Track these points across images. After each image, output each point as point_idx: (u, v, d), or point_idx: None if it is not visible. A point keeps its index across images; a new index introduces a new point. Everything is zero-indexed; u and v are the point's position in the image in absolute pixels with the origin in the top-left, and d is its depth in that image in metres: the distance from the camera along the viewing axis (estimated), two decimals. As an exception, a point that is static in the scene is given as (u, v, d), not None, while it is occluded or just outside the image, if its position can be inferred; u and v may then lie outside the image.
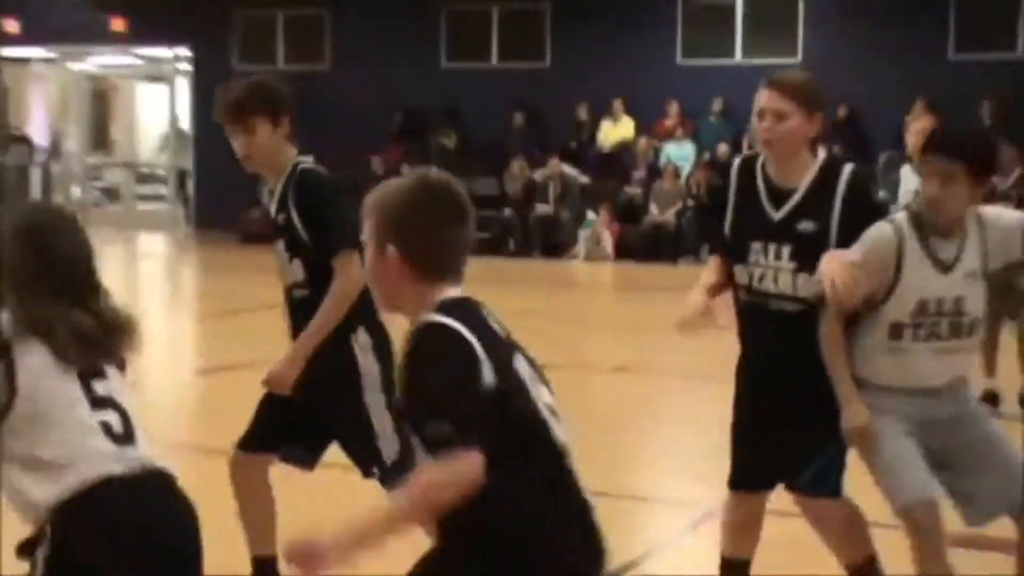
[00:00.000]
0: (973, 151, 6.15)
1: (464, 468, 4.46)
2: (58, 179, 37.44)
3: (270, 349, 10.59)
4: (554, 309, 21.07)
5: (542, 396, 4.78)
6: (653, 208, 27.70)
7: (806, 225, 6.23)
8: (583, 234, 27.76)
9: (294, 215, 6.80)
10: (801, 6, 28.24)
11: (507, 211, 28.74)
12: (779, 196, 6.36)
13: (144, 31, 34.30)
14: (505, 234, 28.57)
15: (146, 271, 29.04)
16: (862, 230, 6.09)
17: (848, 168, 6.39)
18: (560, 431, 4.78)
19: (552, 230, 28.40)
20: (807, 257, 6.11)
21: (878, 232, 6.10)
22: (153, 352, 11.50)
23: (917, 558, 6.34)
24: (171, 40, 34.89)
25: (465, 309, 4.74)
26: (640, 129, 28.92)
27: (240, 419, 9.64)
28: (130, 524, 4.80)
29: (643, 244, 27.49)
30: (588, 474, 8.34)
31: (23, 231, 5.41)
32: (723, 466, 7.97)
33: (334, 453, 7.95)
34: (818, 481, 6.53)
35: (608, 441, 11.52)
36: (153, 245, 33.23)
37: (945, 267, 6.15)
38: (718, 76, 28.55)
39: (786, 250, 6.25)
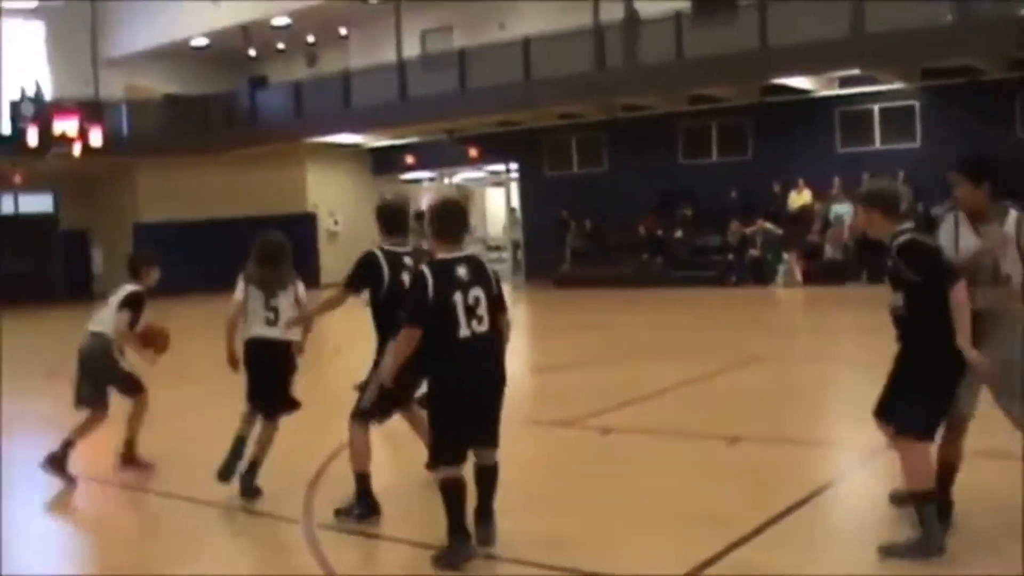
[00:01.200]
0: None
1: (411, 334, 6.55)
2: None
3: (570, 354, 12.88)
4: (764, 320, 22.14)
5: (463, 300, 6.45)
6: (828, 249, 28.70)
7: None
8: (781, 269, 28.69)
9: None
10: (917, 108, 29.07)
11: (729, 256, 29.83)
12: None
13: (489, 155, 37.15)
14: (728, 271, 29.57)
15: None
16: None
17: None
18: (465, 323, 6.44)
19: (759, 267, 29.23)
20: None
21: None
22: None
23: None
24: (505, 159, 37.35)
25: (440, 263, 6.61)
26: (815, 196, 29.74)
27: (559, 401, 11.57)
28: None
29: (822, 273, 28.21)
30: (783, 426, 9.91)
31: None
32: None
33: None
34: None
35: (802, 400, 12.61)
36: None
37: None
38: (864, 158, 29.10)
39: None
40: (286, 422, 8.76)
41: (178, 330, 10.33)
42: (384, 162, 40.47)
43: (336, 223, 38.75)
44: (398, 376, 6.93)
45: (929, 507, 6.46)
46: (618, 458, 9.49)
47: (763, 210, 30.36)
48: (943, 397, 6.62)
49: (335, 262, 37.89)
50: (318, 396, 13.25)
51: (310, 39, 40.17)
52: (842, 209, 29.06)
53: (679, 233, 31.70)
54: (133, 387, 9.67)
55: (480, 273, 6.70)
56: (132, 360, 9.76)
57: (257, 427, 8.73)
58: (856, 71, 27.93)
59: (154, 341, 9.77)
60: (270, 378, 8.69)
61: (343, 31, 39.39)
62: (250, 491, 8.44)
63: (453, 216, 6.91)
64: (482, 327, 6.59)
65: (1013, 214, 6.71)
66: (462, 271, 6.61)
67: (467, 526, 6.67)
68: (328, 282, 37.11)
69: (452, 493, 6.61)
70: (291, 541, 7.39)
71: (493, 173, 39.99)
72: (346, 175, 40.13)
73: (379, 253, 7.64)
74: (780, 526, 7.06)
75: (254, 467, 8.52)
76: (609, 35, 30.22)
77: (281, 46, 40.64)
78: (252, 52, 39.17)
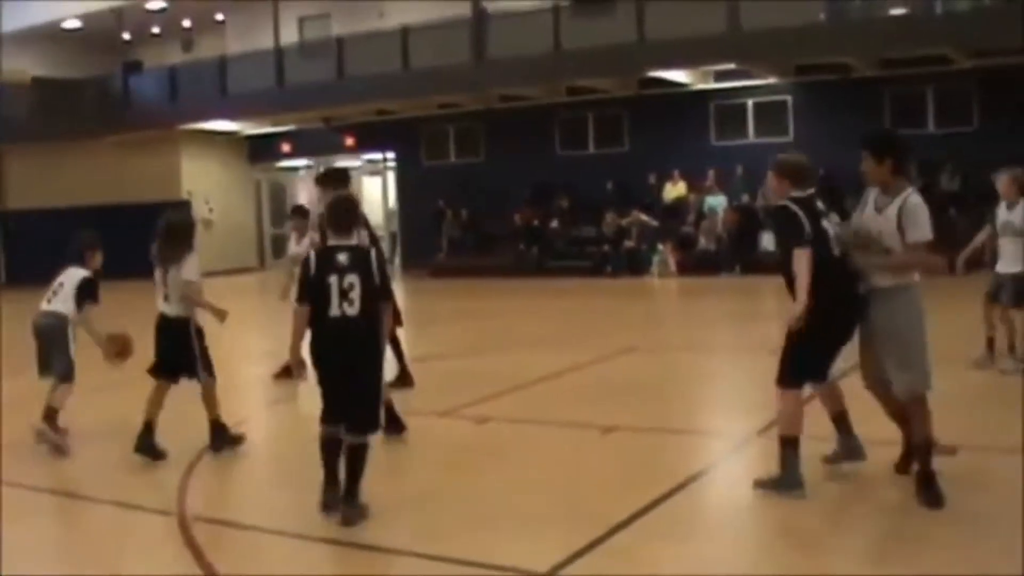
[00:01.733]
0: None
1: (300, 311, 7.34)
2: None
3: (451, 343, 12.99)
4: (639, 310, 22.41)
5: (339, 284, 7.17)
6: (702, 240, 29.24)
7: None
8: (656, 259, 29.05)
9: None
10: (790, 103, 29.70)
11: (605, 247, 30.21)
12: None
13: (366, 143, 37.11)
14: (603, 262, 29.88)
15: None
16: None
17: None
18: (336, 304, 7.16)
19: (635, 258, 29.55)
20: None
21: None
22: None
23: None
24: (382, 148, 37.28)
25: (325, 249, 7.48)
26: (690, 188, 30.26)
27: (435, 391, 11.66)
28: None
29: (696, 264, 28.65)
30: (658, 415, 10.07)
31: None
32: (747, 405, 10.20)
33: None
34: None
35: (676, 389, 13.01)
36: None
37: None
38: (739, 151, 29.81)
39: None
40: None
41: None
42: (260, 150, 40.11)
43: (211, 211, 38.24)
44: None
45: (792, 449, 7.29)
46: (493, 448, 9.54)
47: (639, 201, 30.74)
48: (806, 350, 7.29)
49: (209, 250, 37.54)
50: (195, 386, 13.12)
51: (186, 24, 39.78)
52: (716, 201, 29.74)
53: (555, 224, 31.88)
54: (68, 372, 10.05)
55: (359, 261, 7.33)
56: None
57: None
58: (732, 66, 28.40)
59: (121, 349, 10.25)
60: (168, 350, 9.37)
61: (220, 16, 39.04)
62: (219, 445, 9.33)
63: (341, 209, 7.66)
64: (352, 310, 7.23)
65: (905, 194, 7.06)
66: (342, 257, 7.30)
67: (337, 477, 7.40)
68: (203, 269, 36.69)
69: (323, 447, 7.47)
70: (164, 534, 7.24)
71: (370, 162, 39.81)
72: (221, 162, 39.66)
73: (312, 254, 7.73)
74: (654, 514, 7.13)
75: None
76: (487, 25, 30.26)
77: (156, 30, 40.16)
78: (126, 36, 38.74)
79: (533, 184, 32.65)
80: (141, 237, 31.89)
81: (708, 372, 14.02)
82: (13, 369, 10.54)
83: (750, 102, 30.38)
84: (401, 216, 37.34)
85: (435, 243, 33.62)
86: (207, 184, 38.68)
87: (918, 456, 7.19)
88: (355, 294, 7.24)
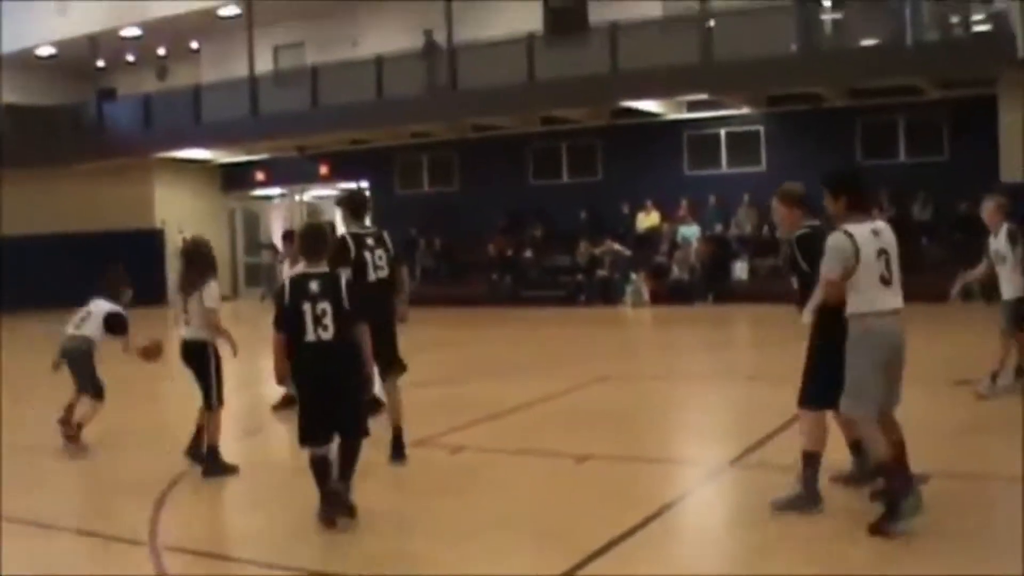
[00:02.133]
0: None
1: (278, 338, 7.73)
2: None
3: (425, 373, 12.99)
4: (612, 340, 22.47)
5: (312, 311, 7.60)
6: (675, 269, 29.10)
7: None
8: (629, 289, 28.89)
9: None
10: (762, 132, 29.72)
11: (578, 276, 30.11)
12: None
13: (340, 172, 36.85)
14: (577, 291, 29.85)
15: None
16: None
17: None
18: (311, 330, 7.58)
19: (608, 287, 29.46)
20: None
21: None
22: None
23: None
24: (356, 176, 36.46)
25: (297, 277, 7.87)
26: (663, 218, 30.23)
27: (410, 421, 11.77)
28: None
29: (669, 293, 28.59)
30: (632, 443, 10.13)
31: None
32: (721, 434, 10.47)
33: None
34: None
35: (650, 417, 13.05)
36: None
37: None
38: (712, 181, 29.97)
39: None
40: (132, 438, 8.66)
41: (17, 350, 10.27)
42: (234, 178, 39.95)
43: (184, 239, 38.06)
44: None
45: (812, 466, 7.58)
46: (468, 477, 9.50)
47: (612, 231, 30.70)
48: (826, 372, 7.46)
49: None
50: (165, 415, 13.06)
51: (161, 52, 39.72)
52: (689, 231, 29.67)
53: (529, 253, 31.89)
54: (98, 392, 11.11)
55: (330, 288, 7.75)
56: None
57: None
58: (704, 96, 28.44)
59: (152, 354, 11.15)
60: (195, 372, 9.71)
61: (195, 45, 38.99)
62: (211, 472, 9.47)
63: (312, 237, 8.06)
64: (327, 334, 7.67)
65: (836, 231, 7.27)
66: (314, 285, 7.71)
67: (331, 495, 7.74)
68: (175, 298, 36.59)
69: (315, 467, 7.80)
70: (136, 563, 7.16)
71: (344, 191, 39.26)
72: (195, 191, 39.52)
73: (286, 282, 8.06)
74: (629, 542, 7.11)
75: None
76: (461, 55, 30.38)
77: (131, 58, 40.10)
78: (101, 63, 38.61)
79: (507, 213, 32.66)
80: (115, 265, 31.67)
81: (682, 401, 14.02)
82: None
83: (723, 132, 30.39)
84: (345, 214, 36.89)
85: (408, 272, 33.43)
86: (181, 212, 38.51)
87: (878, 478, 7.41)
88: (328, 319, 7.65)
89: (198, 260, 9.81)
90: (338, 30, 34.92)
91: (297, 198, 39.87)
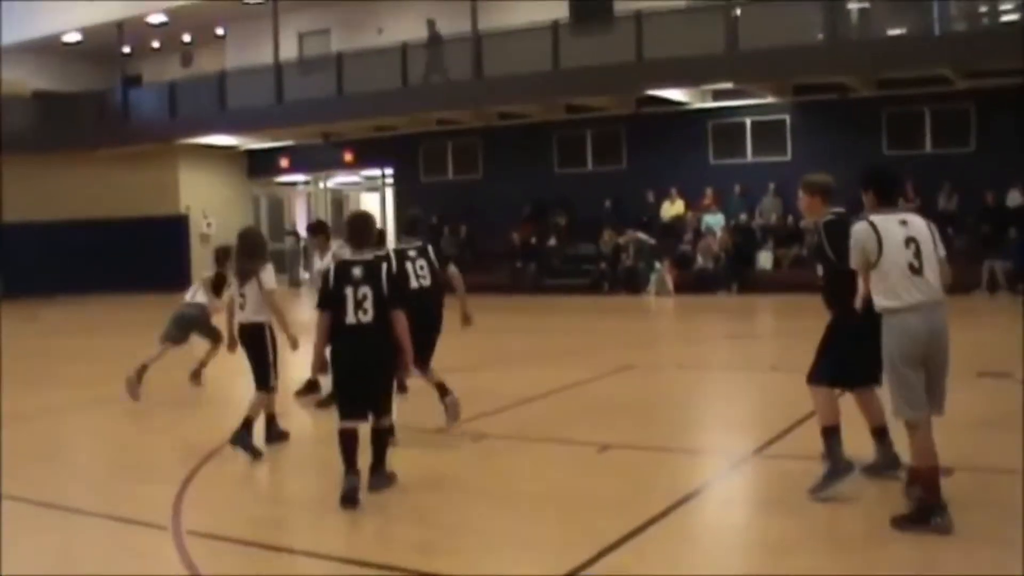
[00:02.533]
0: None
1: (319, 316, 8.29)
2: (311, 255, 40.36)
3: (454, 359, 13.11)
4: (636, 328, 22.37)
5: (353, 294, 8.09)
6: (699, 259, 29.14)
7: None
8: (653, 277, 28.91)
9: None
10: (788, 122, 29.65)
11: (602, 264, 30.15)
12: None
13: (364, 160, 37.12)
14: (601, 280, 29.93)
15: None
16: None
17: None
18: (352, 313, 8.08)
19: (632, 276, 29.51)
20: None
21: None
22: None
23: None
24: (381, 164, 37.17)
25: (342, 263, 8.33)
26: (688, 206, 30.31)
27: (433, 407, 11.94)
28: None
29: (693, 283, 28.61)
30: (655, 433, 10.28)
31: None
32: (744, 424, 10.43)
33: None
34: None
35: (673, 407, 13.29)
36: None
37: None
38: (737, 170, 30.04)
39: None
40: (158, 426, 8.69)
41: (50, 334, 10.32)
42: (259, 164, 40.05)
43: (209, 225, 38.21)
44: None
45: (832, 438, 7.74)
46: (490, 464, 9.52)
47: (636, 219, 30.70)
48: (835, 351, 7.90)
49: (207, 265, 37.43)
50: (186, 400, 13.12)
51: (186, 38, 39.86)
52: (714, 220, 29.73)
53: (553, 241, 31.89)
54: (216, 336, 13.74)
55: (372, 275, 8.17)
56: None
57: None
58: (730, 85, 28.36)
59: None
60: (249, 355, 10.24)
61: (220, 31, 39.10)
62: (238, 440, 9.75)
63: (357, 227, 8.58)
64: (367, 318, 8.11)
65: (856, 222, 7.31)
66: (357, 271, 8.16)
67: (356, 466, 8.11)
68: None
69: (342, 440, 8.17)
70: (160, 549, 7.17)
71: (368, 178, 39.81)
72: (220, 177, 39.60)
73: (332, 267, 8.48)
74: (650, 532, 7.09)
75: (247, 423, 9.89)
76: (486, 43, 30.32)
77: (156, 44, 40.22)
78: (126, 49, 38.70)
79: (531, 201, 32.70)
80: (138, 251, 31.92)
81: (705, 390, 14.00)
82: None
83: (748, 121, 30.34)
84: (398, 232, 36.82)
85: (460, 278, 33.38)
86: (205, 199, 38.67)
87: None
88: (368, 304, 8.12)
89: (251, 247, 10.35)
90: (363, 17, 34.96)
91: (322, 185, 39.87)
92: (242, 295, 10.15)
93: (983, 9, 25.80)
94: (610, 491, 8.36)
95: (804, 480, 7.70)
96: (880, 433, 8.01)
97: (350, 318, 8.15)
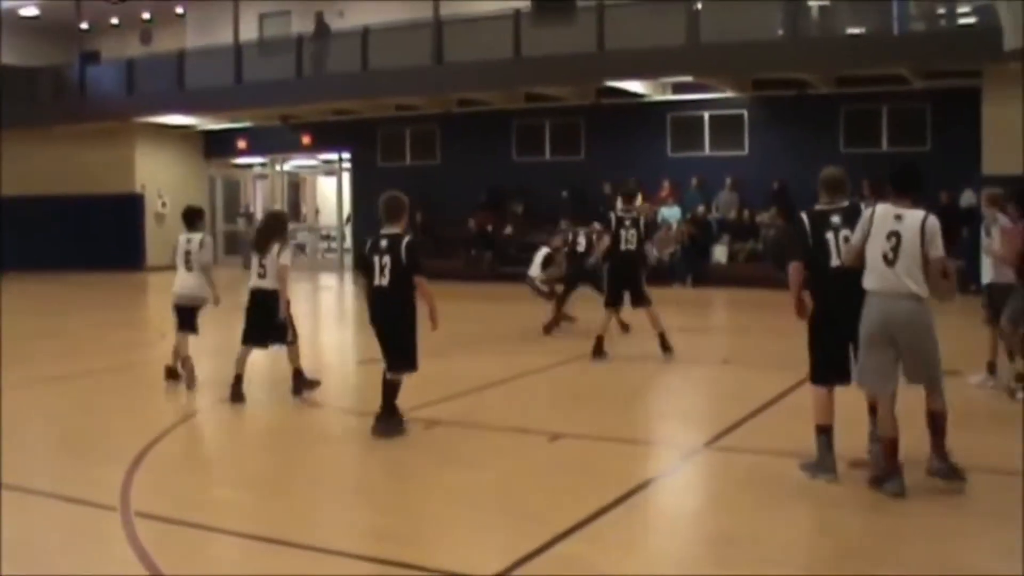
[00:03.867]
0: None
1: (360, 279, 10.31)
2: None
3: None
4: (590, 318, 23.02)
5: (378, 263, 9.75)
6: (653, 251, 28.53)
7: None
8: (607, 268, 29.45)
9: None
10: (746, 117, 29.68)
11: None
12: None
13: (322, 143, 36.83)
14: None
15: (325, 297, 30.38)
16: None
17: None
18: (377, 277, 9.75)
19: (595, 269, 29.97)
20: None
21: None
22: (329, 348, 13.97)
23: None
24: (339, 148, 36.97)
25: (373, 237, 9.96)
26: (645, 198, 28.94)
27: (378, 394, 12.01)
28: None
29: (648, 274, 28.91)
30: (607, 423, 10.43)
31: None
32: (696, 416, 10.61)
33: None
34: None
35: (626, 398, 13.69)
36: (329, 281, 34.25)
37: None
38: (694, 163, 29.99)
39: None
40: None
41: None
42: (216, 145, 39.69)
43: (164, 205, 37.98)
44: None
45: (821, 437, 8.01)
46: (442, 451, 9.53)
47: (593, 210, 30.31)
48: (820, 351, 8.22)
49: (162, 245, 37.18)
50: (139, 380, 13.06)
51: (145, 15, 39.51)
52: (670, 212, 29.66)
53: (509, 229, 31.86)
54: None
55: (393, 247, 9.82)
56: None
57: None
58: (689, 78, 28.41)
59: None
60: (261, 319, 11.85)
61: (180, 10, 38.80)
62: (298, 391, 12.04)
63: (387, 206, 10.15)
64: (385, 281, 9.81)
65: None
66: (383, 243, 9.86)
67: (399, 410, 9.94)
68: (154, 263, 36.46)
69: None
70: (109, 530, 7.15)
71: (326, 162, 39.61)
72: (176, 157, 39.25)
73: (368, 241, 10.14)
74: (600, 521, 7.13)
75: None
76: (447, 29, 30.27)
77: (115, 21, 39.81)
78: (84, 25, 38.30)
79: (488, 189, 32.58)
80: (92, 229, 31.58)
81: (658, 382, 14.07)
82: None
83: (707, 115, 30.33)
84: (355, 217, 36.91)
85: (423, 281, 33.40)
86: (161, 178, 38.36)
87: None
88: (388, 270, 9.76)
89: (276, 227, 12.22)
90: (325, 1, 34.75)
91: (279, 167, 39.69)
92: (261, 266, 11.85)
93: (941, 11, 25.98)
94: (562, 480, 8.41)
95: (753, 473, 7.79)
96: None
97: (376, 281, 9.87)
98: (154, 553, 6.55)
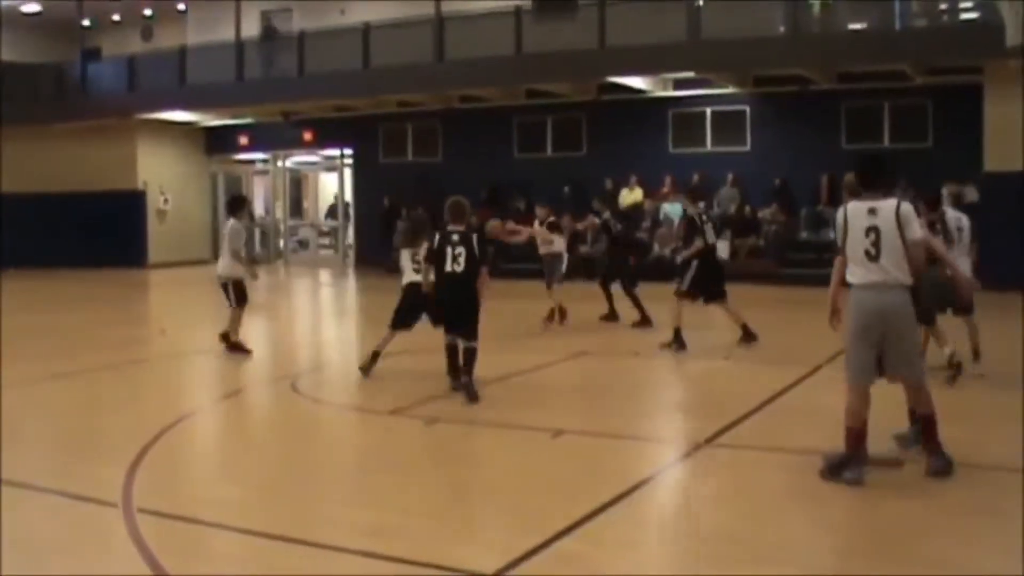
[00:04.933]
0: None
1: (429, 268, 11.78)
2: (270, 235, 40.15)
3: (407, 342, 13.21)
4: (591, 314, 21.02)
5: (452, 253, 11.48)
6: (656, 246, 28.96)
7: None
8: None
9: None
10: (748, 113, 29.60)
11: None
12: None
13: (324, 139, 36.82)
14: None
15: (325, 293, 30.53)
16: None
17: None
18: (450, 265, 11.49)
19: (589, 263, 28.67)
20: None
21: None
22: (331, 344, 13.98)
23: None
24: (340, 144, 36.89)
25: (444, 231, 11.67)
26: (646, 194, 29.96)
27: (387, 390, 12.16)
28: None
29: (650, 271, 27.82)
30: (608, 419, 10.51)
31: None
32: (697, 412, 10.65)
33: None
34: None
35: (626, 394, 13.62)
36: (328, 277, 34.12)
37: None
38: (696, 159, 29.80)
39: None
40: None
41: (4, 309, 10.22)
42: (218, 141, 39.66)
43: (166, 201, 37.97)
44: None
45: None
46: (442, 448, 9.56)
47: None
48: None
49: (164, 241, 37.29)
50: (144, 379, 13.07)
51: (147, 12, 39.46)
52: (672, 208, 29.41)
53: (511, 225, 31.77)
54: None
55: (465, 241, 11.56)
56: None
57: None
58: (691, 74, 28.40)
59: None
60: (414, 306, 12.86)
61: (181, 6, 38.75)
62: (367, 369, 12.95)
63: (453, 208, 11.83)
64: (459, 267, 11.53)
65: None
66: (455, 237, 11.59)
67: (457, 371, 11.67)
68: (156, 260, 36.49)
69: (447, 350, 11.94)
70: (111, 527, 7.15)
71: (328, 158, 39.52)
72: (178, 153, 39.20)
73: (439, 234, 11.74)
74: (600, 519, 7.14)
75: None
76: (449, 26, 30.30)
77: (117, 17, 39.80)
78: (86, 22, 38.30)
79: (490, 185, 32.36)
80: (95, 226, 31.65)
81: (658, 378, 14.07)
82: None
83: (708, 111, 30.26)
84: (356, 213, 37.13)
85: (388, 241, 33.41)
86: (163, 174, 38.32)
87: None
88: (462, 260, 11.49)
89: (420, 225, 13.18)
90: (326, -2, 34.87)
91: (280, 163, 39.66)
92: (414, 261, 12.76)
93: (943, 6, 25.97)
94: (562, 477, 8.41)
95: (754, 470, 7.77)
96: (914, 414, 8.28)
97: (448, 268, 11.55)
98: (156, 550, 6.56)
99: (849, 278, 7.88)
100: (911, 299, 7.81)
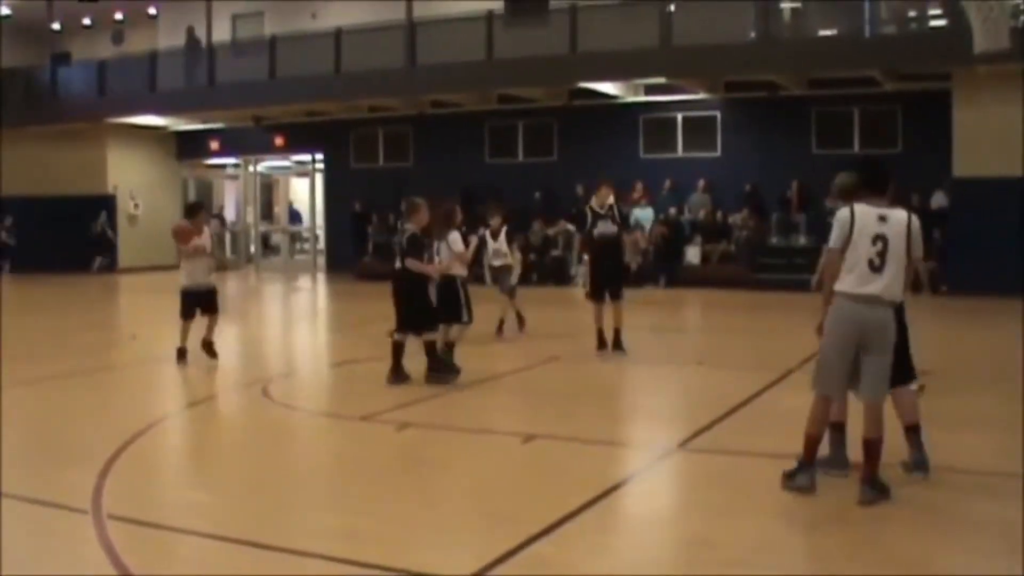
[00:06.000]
0: None
1: (412, 263, 12.45)
2: (242, 240, 40.18)
3: (380, 348, 13.13)
4: (563, 320, 22.70)
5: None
6: (627, 252, 29.52)
7: None
8: (581, 269, 28.10)
9: None
10: (719, 118, 29.78)
11: (531, 255, 29.47)
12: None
13: (295, 144, 36.80)
14: (528, 271, 28.51)
15: (297, 298, 30.10)
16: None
17: None
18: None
19: (560, 268, 29.81)
20: None
21: None
22: (302, 349, 13.89)
23: None
24: (312, 149, 36.96)
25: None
26: (618, 200, 30.84)
27: (358, 395, 11.92)
28: None
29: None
30: (580, 424, 10.41)
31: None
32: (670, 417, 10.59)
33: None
34: None
35: (599, 399, 13.60)
36: (302, 282, 34.09)
37: None
38: (667, 165, 30.09)
39: None
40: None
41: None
42: (189, 146, 39.56)
43: (136, 206, 37.82)
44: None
45: (833, 435, 7.94)
46: (414, 453, 9.51)
47: (566, 211, 30.35)
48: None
49: (134, 245, 37.14)
50: (115, 384, 12.97)
51: (118, 16, 39.32)
52: (643, 214, 29.67)
53: (482, 231, 31.72)
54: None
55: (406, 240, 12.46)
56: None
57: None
58: (662, 80, 28.47)
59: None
60: (442, 302, 13.53)
61: (152, 10, 38.65)
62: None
63: (408, 207, 12.72)
64: (398, 264, 12.49)
65: None
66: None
67: (453, 361, 12.81)
68: (126, 265, 36.33)
69: (393, 347, 12.34)
70: (79, 533, 7.07)
71: (299, 163, 39.56)
72: (149, 158, 39.07)
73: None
74: (573, 523, 7.10)
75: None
76: (420, 31, 30.27)
77: (87, 22, 39.62)
78: (56, 26, 38.14)
79: (461, 190, 32.01)
80: (65, 230, 31.45)
81: (631, 383, 14.06)
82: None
83: (679, 116, 30.41)
84: (327, 218, 37.11)
85: (360, 246, 33.47)
86: (133, 179, 38.19)
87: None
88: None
89: (445, 220, 13.91)
90: (297, 2, 34.73)
91: (251, 168, 39.56)
92: (439, 252, 13.63)
93: (912, 13, 26.12)
94: (533, 482, 8.39)
95: (727, 474, 7.75)
96: (913, 431, 8.05)
97: (396, 264, 12.61)
98: (125, 555, 6.49)
99: (838, 286, 7.45)
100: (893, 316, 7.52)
